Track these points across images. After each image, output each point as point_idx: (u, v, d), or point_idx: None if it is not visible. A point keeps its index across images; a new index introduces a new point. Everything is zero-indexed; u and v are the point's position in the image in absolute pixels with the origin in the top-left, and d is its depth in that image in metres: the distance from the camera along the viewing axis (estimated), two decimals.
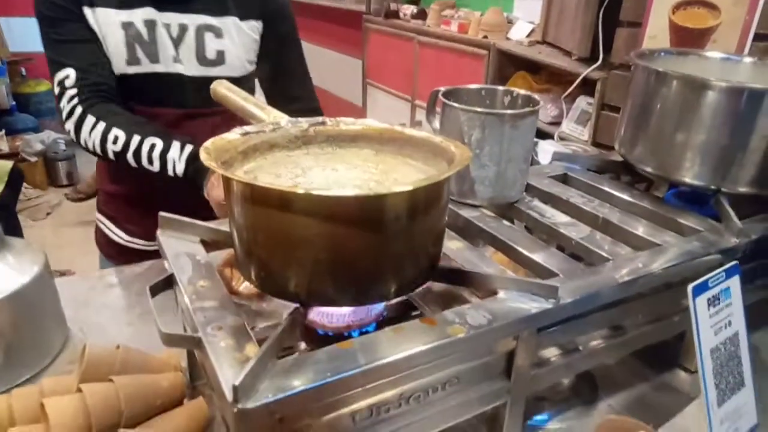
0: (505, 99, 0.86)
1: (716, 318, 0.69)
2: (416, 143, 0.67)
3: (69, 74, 1.04)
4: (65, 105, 1.04)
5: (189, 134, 1.05)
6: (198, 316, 0.55)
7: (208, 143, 0.59)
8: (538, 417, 0.75)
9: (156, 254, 1.11)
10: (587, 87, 1.66)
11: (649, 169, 0.92)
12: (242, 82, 1.10)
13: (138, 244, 1.23)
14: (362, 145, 0.70)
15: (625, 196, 0.89)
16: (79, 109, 1.03)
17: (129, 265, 1.04)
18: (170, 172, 0.99)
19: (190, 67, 1.09)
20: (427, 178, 0.53)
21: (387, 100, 2.94)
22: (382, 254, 0.54)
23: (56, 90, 1.05)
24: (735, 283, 0.72)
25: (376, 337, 0.54)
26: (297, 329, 0.56)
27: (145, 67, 1.06)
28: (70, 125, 1.05)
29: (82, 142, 1.05)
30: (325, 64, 3.62)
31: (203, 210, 0.93)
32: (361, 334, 0.63)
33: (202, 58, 1.10)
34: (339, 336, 0.62)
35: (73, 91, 1.04)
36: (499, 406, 0.64)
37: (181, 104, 1.12)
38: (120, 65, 1.06)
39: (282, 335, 0.52)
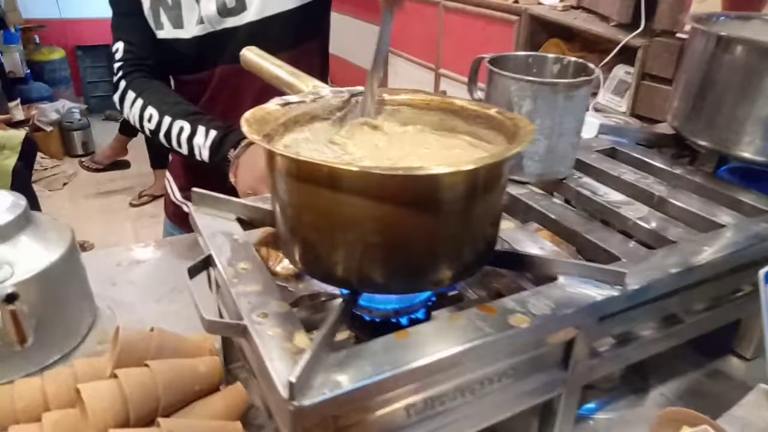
0: (555, 67, 0.81)
1: None
2: (468, 114, 0.62)
3: (118, 47, 1.01)
4: (115, 78, 1.02)
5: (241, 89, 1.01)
6: (242, 302, 0.52)
7: (248, 115, 0.55)
8: (587, 406, 0.72)
9: None
10: (625, 55, 1.58)
11: (705, 144, 0.86)
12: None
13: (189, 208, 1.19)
14: (408, 116, 0.65)
15: (679, 172, 0.84)
16: (122, 84, 1.01)
17: (155, 243, 1.01)
18: (197, 157, 0.96)
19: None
20: (490, 155, 0.48)
21: (409, 69, 2.84)
22: (441, 238, 0.49)
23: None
24: None
25: (432, 326, 0.50)
26: (347, 317, 0.52)
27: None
28: (116, 98, 1.03)
29: (126, 116, 1.02)
30: (344, 31, 3.51)
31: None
32: (411, 321, 0.59)
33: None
34: (386, 323, 0.59)
35: (119, 64, 1.01)
36: (554, 397, 0.60)
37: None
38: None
39: (335, 325, 0.49)
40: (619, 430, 0.68)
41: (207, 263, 0.59)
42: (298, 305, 0.62)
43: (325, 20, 1.14)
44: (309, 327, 0.50)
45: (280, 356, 0.46)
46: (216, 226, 0.64)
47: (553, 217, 0.69)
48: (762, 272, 0.63)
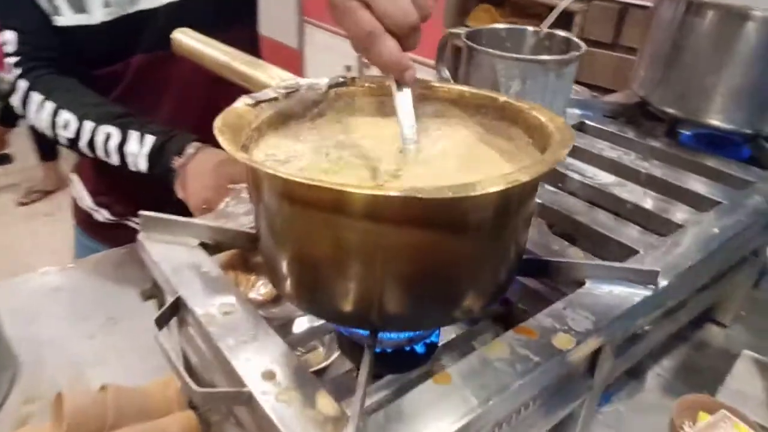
0: (532, 41, 0.74)
1: None
2: (469, 103, 0.54)
3: (8, 39, 0.81)
4: (10, 77, 0.82)
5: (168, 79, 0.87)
6: (238, 360, 0.41)
7: (219, 122, 0.43)
8: None
9: (126, 231, 0.93)
10: (561, 20, 1.54)
11: (675, 112, 0.83)
12: None
13: (103, 216, 1.01)
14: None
15: (654, 144, 0.81)
16: (22, 84, 0.81)
17: (75, 263, 0.86)
18: (132, 168, 0.80)
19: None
20: (537, 162, 0.40)
21: (329, 40, 2.62)
22: (481, 261, 0.42)
23: None
24: None
25: (473, 362, 0.42)
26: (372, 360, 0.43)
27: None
28: (16, 102, 0.83)
29: (32, 122, 0.83)
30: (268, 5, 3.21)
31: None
32: (427, 346, 0.51)
33: None
34: (400, 353, 0.51)
35: (14, 60, 0.81)
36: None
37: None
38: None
39: (368, 380, 0.40)
40: (630, 420, 0.65)
41: (175, 308, 0.48)
42: (292, 347, 0.52)
43: None
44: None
45: (305, 431, 0.36)
46: (176, 256, 0.52)
47: (555, 208, 0.63)
48: None
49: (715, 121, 0.80)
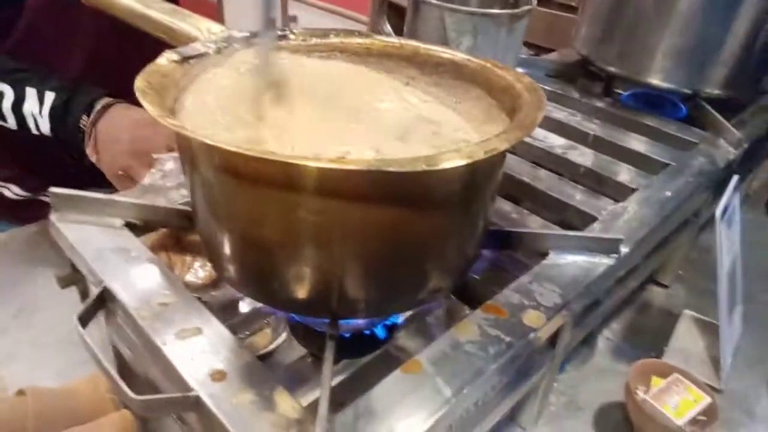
0: None
1: (728, 241, 0.64)
2: (424, 60, 0.49)
3: None
4: None
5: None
6: (180, 360, 0.36)
7: (141, 81, 0.37)
8: None
9: (41, 207, 0.80)
10: None
11: (616, 71, 0.83)
12: None
13: (13, 192, 0.89)
14: (340, 67, 0.50)
15: (597, 104, 0.80)
16: None
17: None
18: (34, 131, 0.69)
19: None
20: (509, 131, 0.36)
21: None
22: (448, 238, 0.38)
23: None
24: (737, 200, 0.67)
25: (442, 346, 0.39)
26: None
27: None
28: None
29: None
30: None
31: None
32: (387, 328, 0.48)
33: None
34: (359, 337, 0.47)
35: None
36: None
37: None
38: None
39: (332, 375, 0.36)
40: (584, 385, 0.65)
41: (101, 300, 0.41)
42: (236, 330, 0.47)
43: None
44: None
45: None
46: (98, 239, 0.45)
47: (508, 172, 0.60)
48: (718, 212, 0.61)
49: (656, 80, 0.80)
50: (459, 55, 0.47)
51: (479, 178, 0.37)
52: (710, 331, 0.70)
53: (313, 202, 0.33)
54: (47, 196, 0.88)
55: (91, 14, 0.65)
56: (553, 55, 0.98)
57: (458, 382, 0.37)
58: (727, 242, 0.63)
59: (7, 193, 0.86)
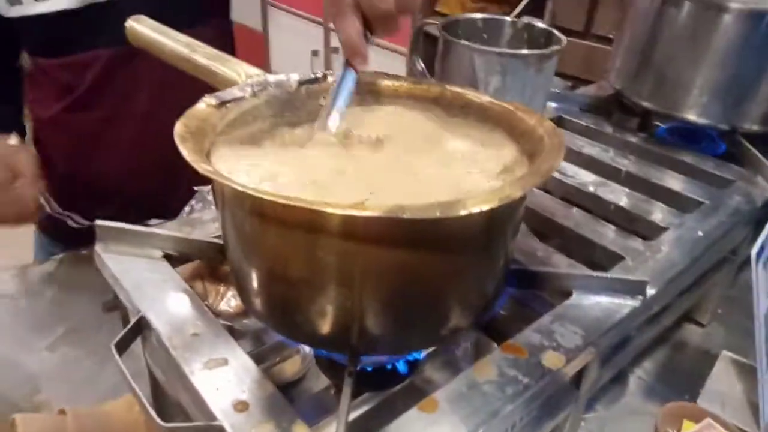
0: (509, 32, 0.71)
1: (765, 281, 0.63)
2: (450, 102, 0.51)
3: None
4: None
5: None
6: (206, 389, 0.38)
7: (180, 127, 0.39)
8: None
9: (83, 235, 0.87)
10: (530, 6, 1.52)
11: (651, 106, 0.82)
12: None
13: (75, 221, 0.91)
14: (374, 108, 0.52)
15: (631, 139, 0.80)
16: None
17: (29, 264, 0.80)
18: None
19: None
20: (530, 174, 0.37)
21: (294, 23, 2.53)
22: (470, 278, 0.39)
23: None
24: None
25: (459, 385, 0.40)
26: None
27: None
28: None
29: None
30: None
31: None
32: (409, 364, 0.49)
33: None
34: (381, 371, 0.48)
35: None
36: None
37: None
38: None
39: (349, 410, 0.37)
40: (613, 425, 0.64)
41: (138, 328, 0.44)
42: (266, 357, 0.49)
43: None
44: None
45: None
46: (137, 270, 0.48)
47: (535, 209, 0.61)
48: (754, 252, 0.60)
49: (692, 116, 0.79)
50: (483, 98, 0.49)
51: (496, 223, 0.38)
52: (750, 373, 0.68)
53: (334, 244, 0.35)
54: None
55: (156, 62, 0.71)
56: (588, 89, 0.99)
57: (474, 421, 0.37)
58: (765, 283, 0.61)
59: (69, 222, 0.89)
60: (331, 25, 0.49)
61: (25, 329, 0.70)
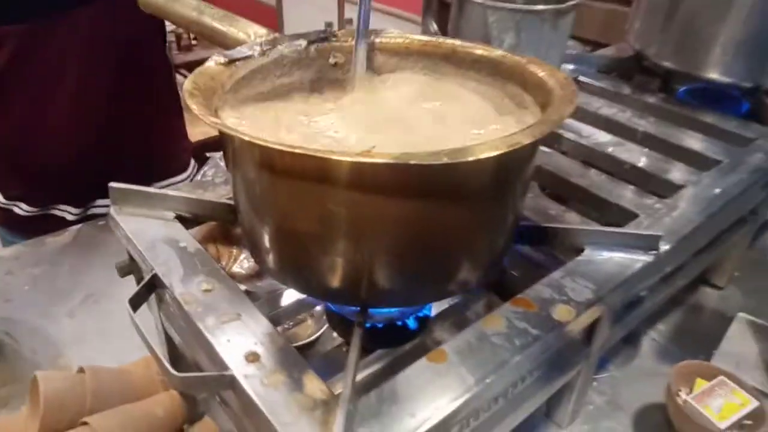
0: None
1: None
2: (462, 58, 0.50)
3: None
4: None
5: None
6: (219, 341, 0.39)
7: (189, 84, 0.39)
8: None
9: (53, 222, 0.86)
10: None
11: (672, 66, 0.80)
12: None
13: (22, 209, 0.91)
14: (385, 65, 0.52)
15: (650, 100, 0.78)
16: None
17: (47, 235, 0.82)
18: None
19: None
20: (542, 122, 0.37)
21: None
22: (479, 230, 0.39)
23: None
24: None
25: (468, 337, 0.40)
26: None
27: None
28: None
29: None
30: None
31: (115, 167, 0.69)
32: (419, 320, 0.49)
33: None
34: (391, 327, 0.48)
35: None
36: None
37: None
38: None
39: (358, 360, 0.37)
40: (625, 385, 0.64)
41: (152, 286, 0.45)
42: (280, 320, 0.50)
43: None
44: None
45: (294, 416, 0.34)
46: (151, 231, 0.48)
47: (549, 169, 0.60)
48: None
49: (714, 75, 0.77)
50: (495, 52, 0.48)
51: (505, 172, 0.37)
52: (766, 334, 0.67)
53: (342, 194, 0.35)
54: (56, 209, 0.90)
55: (82, 40, 0.70)
56: (607, 51, 0.96)
57: (482, 371, 0.38)
58: None
59: (17, 210, 0.90)
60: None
61: (45, 297, 0.71)
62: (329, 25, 0.53)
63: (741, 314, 0.70)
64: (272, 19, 2.68)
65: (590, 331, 0.51)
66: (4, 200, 0.91)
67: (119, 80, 0.80)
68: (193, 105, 0.36)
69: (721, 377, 0.57)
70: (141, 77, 0.85)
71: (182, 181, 0.91)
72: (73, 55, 0.77)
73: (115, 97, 0.82)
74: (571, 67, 0.85)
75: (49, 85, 0.78)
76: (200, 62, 0.45)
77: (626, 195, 0.57)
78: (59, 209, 0.90)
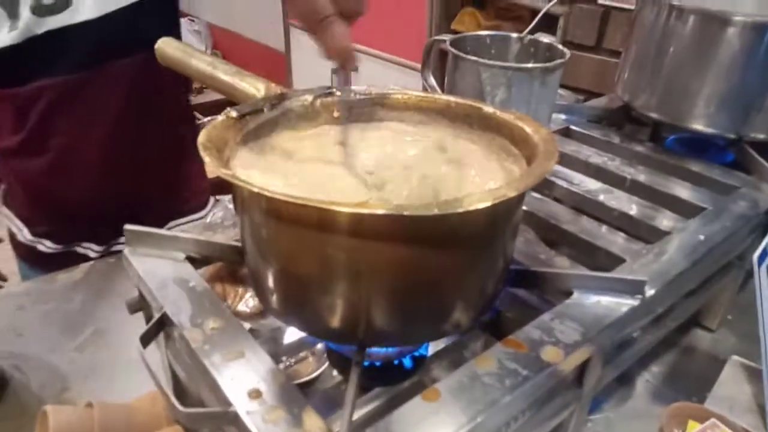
0: (516, 47, 0.74)
1: None
2: (454, 113, 0.53)
3: None
4: None
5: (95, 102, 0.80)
6: (223, 378, 0.41)
7: (203, 138, 0.43)
8: None
9: (75, 259, 0.89)
10: (543, 22, 1.55)
11: (658, 117, 0.84)
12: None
13: (46, 246, 0.94)
14: (384, 122, 0.55)
15: (638, 149, 0.82)
16: None
17: (59, 271, 0.84)
18: None
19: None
20: (530, 173, 0.40)
21: (315, 44, 2.63)
22: (471, 274, 0.42)
23: None
24: None
25: (461, 377, 0.42)
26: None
27: None
28: None
29: None
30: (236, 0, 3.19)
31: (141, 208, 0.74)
32: (415, 359, 0.51)
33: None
34: (388, 366, 0.50)
35: None
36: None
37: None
38: None
39: (355, 397, 0.39)
40: (619, 426, 0.65)
41: (161, 324, 0.47)
42: (281, 357, 0.52)
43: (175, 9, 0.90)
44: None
45: None
46: (162, 271, 0.51)
47: (541, 215, 0.63)
48: (755, 257, 0.61)
49: (698, 126, 0.81)
50: (486, 108, 0.51)
51: (492, 222, 0.40)
52: (759, 377, 0.68)
53: (341, 241, 0.38)
54: (79, 247, 0.94)
55: (117, 90, 0.74)
56: (598, 101, 1.01)
57: (473, 410, 0.40)
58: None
59: (40, 247, 0.93)
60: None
61: (55, 331, 0.74)
62: (335, 71, 0.57)
63: (734, 357, 0.72)
64: (281, 66, 2.77)
65: (581, 372, 0.53)
66: (30, 237, 0.94)
67: (146, 126, 0.85)
68: (206, 157, 0.40)
69: (713, 419, 0.59)
70: (166, 124, 0.91)
71: (201, 218, 0.96)
72: (106, 103, 0.82)
73: (141, 142, 0.87)
74: (563, 116, 0.89)
75: (82, 131, 0.83)
76: (212, 103, 0.49)
77: (615, 240, 0.60)
78: (83, 246, 0.94)
